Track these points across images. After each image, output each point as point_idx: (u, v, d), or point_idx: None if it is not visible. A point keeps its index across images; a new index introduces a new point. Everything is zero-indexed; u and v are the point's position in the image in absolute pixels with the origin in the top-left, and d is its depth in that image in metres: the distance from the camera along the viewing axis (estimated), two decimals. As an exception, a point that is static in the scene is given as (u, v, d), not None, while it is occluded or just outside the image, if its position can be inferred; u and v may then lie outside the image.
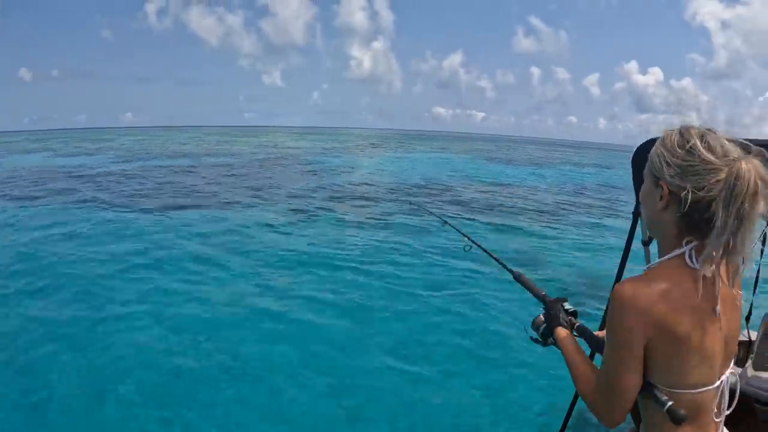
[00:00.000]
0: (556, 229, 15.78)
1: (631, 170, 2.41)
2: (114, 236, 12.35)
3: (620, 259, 2.52)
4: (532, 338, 1.85)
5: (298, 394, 5.53)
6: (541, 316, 1.82)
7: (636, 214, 2.38)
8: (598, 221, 17.74)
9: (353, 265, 10.46)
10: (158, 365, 5.99)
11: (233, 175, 27.25)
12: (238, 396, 5.44)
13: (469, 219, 16.40)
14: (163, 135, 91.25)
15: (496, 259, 2.32)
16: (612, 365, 1.33)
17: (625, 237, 2.56)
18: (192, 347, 6.51)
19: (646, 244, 2.46)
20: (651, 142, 1.50)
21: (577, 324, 1.77)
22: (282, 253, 11.26)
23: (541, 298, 1.90)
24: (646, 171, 1.38)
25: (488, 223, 15.89)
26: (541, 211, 18.97)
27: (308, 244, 12.19)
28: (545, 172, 38.76)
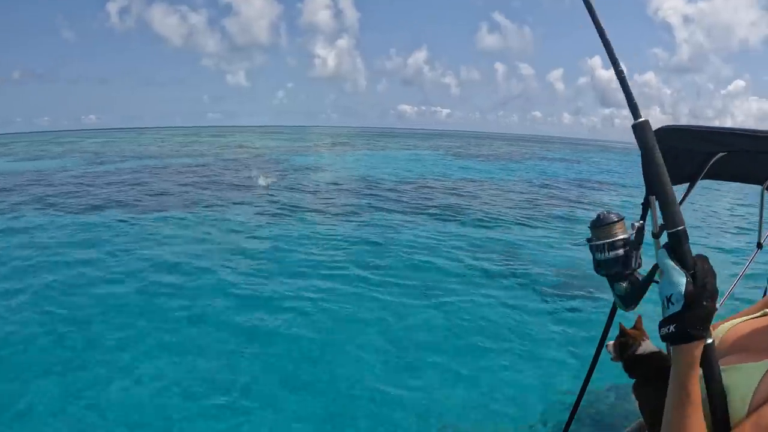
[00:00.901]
0: (538, 223, 16.09)
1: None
2: (79, 242, 12.23)
3: None
4: (603, 274, 1.30)
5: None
6: (633, 258, 1.26)
7: (646, 204, 1.93)
8: (576, 215, 18.06)
9: (332, 265, 10.61)
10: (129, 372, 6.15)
11: (201, 176, 26.96)
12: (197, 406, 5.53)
13: (450, 216, 16.66)
14: (128, 137, 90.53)
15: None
16: None
17: None
18: (163, 351, 6.64)
19: (656, 236, 1.89)
20: (664, 131, 1.52)
21: (708, 341, 1.03)
22: (255, 254, 11.36)
23: (676, 235, 1.05)
24: None
25: (471, 219, 16.21)
26: (521, 207, 19.21)
27: (282, 244, 12.26)
28: (516, 167, 39.76)
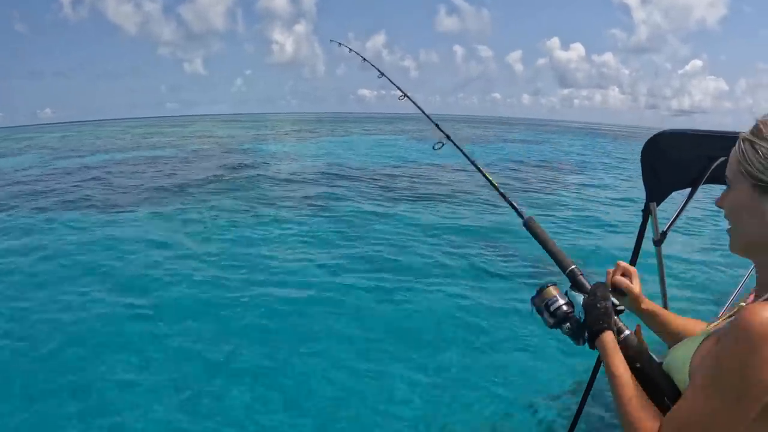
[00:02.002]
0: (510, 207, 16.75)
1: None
2: (37, 245, 11.90)
3: (630, 260, 2.09)
4: (551, 326, 1.43)
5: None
6: (564, 305, 1.41)
7: (646, 212, 2.06)
8: (557, 198, 18.45)
9: (312, 257, 10.68)
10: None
11: (169, 169, 26.60)
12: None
13: (425, 203, 16.83)
14: (87, 130, 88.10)
15: (500, 194, 1.98)
16: (713, 420, 0.97)
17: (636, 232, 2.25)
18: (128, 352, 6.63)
19: (657, 243, 2.14)
20: (663, 136, 1.50)
21: (626, 333, 1.31)
22: (223, 249, 11.42)
23: (571, 273, 1.50)
24: (738, 176, 1.11)
25: (447, 206, 16.50)
26: (492, 192, 19.79)
27: (251, 238, 12.36)
28: (483, 150, 40.15)
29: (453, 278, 9.54)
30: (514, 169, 27.83)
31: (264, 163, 29.57)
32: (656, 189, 1.85)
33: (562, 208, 16.94)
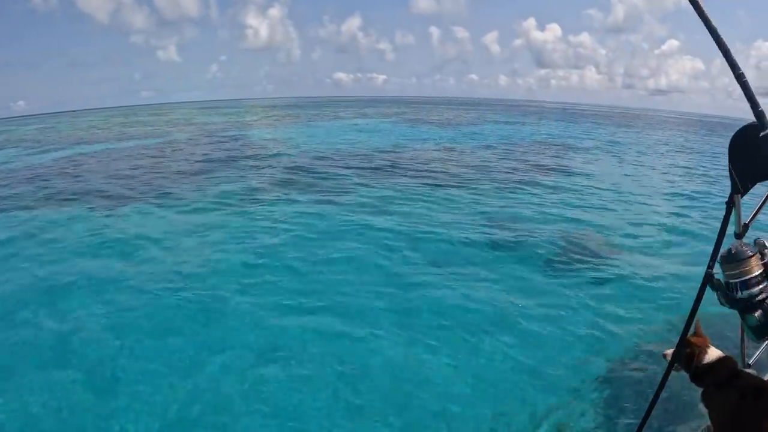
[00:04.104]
0: (522, 190, 16.99)
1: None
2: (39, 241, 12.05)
3: (712, 252, 1.87)
4: (732, 307, 1.32)
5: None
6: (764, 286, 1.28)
7: (730, 203, 1.86)
8: (555, 181, 18.87)
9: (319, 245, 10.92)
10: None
11: (156, 160, 26.18)
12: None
13: (440, 183, 17.44)
14: (64, 121, 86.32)
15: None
16: None
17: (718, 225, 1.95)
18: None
19: (739, 236, 1.93)
20: (751, 128, 1.42)
21: None
22: (218, 243, 11.44)
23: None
24: None
25: (455, 186, 17.02)
26: (495, 172, 20.05)
27: (249, 229, 12.40)
28: (471, 131, 41.04)
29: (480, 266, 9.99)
30: (516, 150, 28.30)
31: (265, 150, 29.48)
32: (743, 181, 1.77)
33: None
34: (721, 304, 1.42)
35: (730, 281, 1.36)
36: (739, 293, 1.32)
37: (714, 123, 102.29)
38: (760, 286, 1.30)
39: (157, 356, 6.64)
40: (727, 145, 1.67)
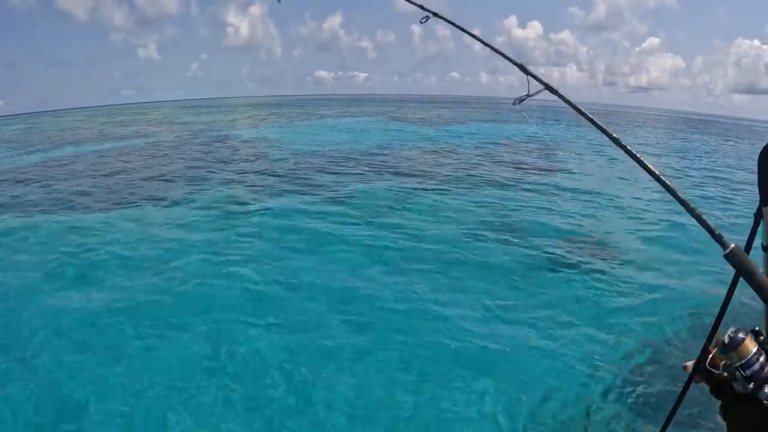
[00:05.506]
0: (518, 187, 17.36)
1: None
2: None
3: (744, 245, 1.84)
4: (745, 392, 1.29)
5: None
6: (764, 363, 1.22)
7: (758, 215, 1.87)
8: (551, 179, 19.13)
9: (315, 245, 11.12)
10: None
11: (144, 162, 25.97)
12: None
13: (440, 185, 17.52)
14: (46, 121, 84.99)
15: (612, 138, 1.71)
16: None
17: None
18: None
19: (767, 249, 1.94)
20: None
21: None
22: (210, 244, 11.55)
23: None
24: None
25: (454, 185, 17.26)
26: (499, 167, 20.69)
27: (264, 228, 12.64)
28: (455, 129, 41.38)
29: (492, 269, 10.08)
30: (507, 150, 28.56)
31: (254, 150, 29.41)
32: None
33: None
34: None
35: (731, 368, 1.35)
36: (742, 375, 1.30)
37: (695, 120, 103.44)
38: (759, 363, 1.28)
39: (105, 378, 6.53)
40: (757, 158, 1.63)
